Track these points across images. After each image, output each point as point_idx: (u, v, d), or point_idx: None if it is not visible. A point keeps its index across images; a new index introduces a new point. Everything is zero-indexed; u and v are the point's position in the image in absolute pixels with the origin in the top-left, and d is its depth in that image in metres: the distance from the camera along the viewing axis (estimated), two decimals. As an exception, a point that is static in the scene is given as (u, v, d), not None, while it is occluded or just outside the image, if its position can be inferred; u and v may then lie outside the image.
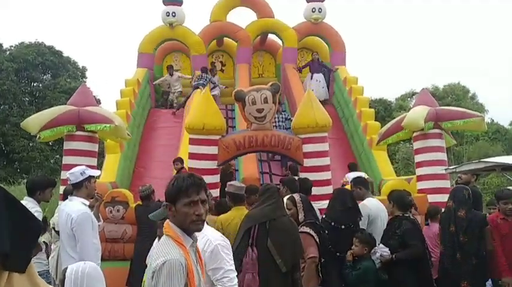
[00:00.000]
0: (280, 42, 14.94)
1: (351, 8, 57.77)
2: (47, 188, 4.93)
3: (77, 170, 4.58)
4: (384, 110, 25.30)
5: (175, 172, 8.41)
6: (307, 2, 14.71)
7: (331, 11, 15.12)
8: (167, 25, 14.07)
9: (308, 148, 7.68)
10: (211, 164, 7.44)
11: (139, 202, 6.95)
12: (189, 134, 7.62)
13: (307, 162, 7.66)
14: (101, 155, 10.63)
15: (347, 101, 12.73)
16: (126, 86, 12.64)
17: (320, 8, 14.50)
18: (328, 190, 7.49)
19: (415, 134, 8.60)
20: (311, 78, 13.78)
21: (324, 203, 7.01)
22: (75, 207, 4.41)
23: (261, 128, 7.51)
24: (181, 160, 8.38)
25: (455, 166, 8.06)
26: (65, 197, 5.81)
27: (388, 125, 9.14)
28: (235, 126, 12.16)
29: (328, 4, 14.85)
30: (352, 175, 10.45)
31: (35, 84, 27.11)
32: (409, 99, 30.23)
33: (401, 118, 8.79)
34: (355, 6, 60.62)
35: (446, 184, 8.36)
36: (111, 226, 7.20)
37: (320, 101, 8.68)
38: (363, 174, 9.81)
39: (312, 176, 7.47)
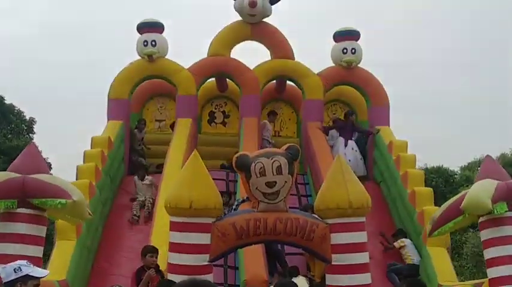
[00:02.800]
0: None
1: (391, 47, 58.75)
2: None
3: (11, 264, 4.49)
4: (444, 184, 24.97)
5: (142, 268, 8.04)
6: (336, 41, 14.90)
7: (368, 51, 15.30)
8: (145, 58, 14.30)
9: (338, 238, 7.50)
10: (201, 259, 7.21)
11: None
12: (169, 215, 7.43)
13: (337, 258, 7.46)
14: (48, 241, 10.35)
15: (393, 174, 12.70)
16: (93, 147, 12.72)
17: (354, 49, 14.69)
18: (366, 299, 7.29)
19: (481, 219, 8.35)
20: (345, 145, 13.66)
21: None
22: None
23: (273, 208, 7.36)
24: (156, 251, 8.14)
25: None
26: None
27: (443, 207, 8.90)
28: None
29: (365, 43, 15.00)
30: (409, 242, 11.09)
31: (-38, 141, 27.21)
32: (478, 169, 29.89)
33: (460, 197, 8.54)
34: (396, 44, 61.49)
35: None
36: None
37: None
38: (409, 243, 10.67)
39: (343, 280, 7.32)
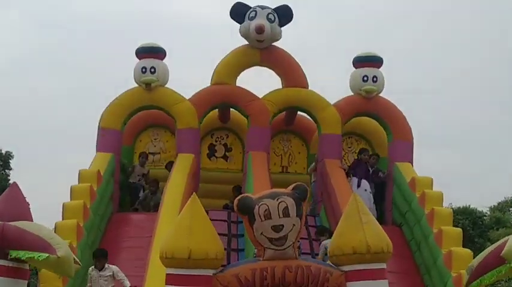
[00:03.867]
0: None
1: (412, 72, 58.78)
2: None
3: None
4: (471, 226, 24.77)
5: None
6: (355, 67, 14.90)
7: (391, 79, 15.36)
8: (143, 86, 14.26)
9: (355, 287, 7.35)
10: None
11: None
12: (165, 266, 7.32)
13: (355, 311, 7.35)
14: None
15: (417, 214, 12.65)
16: (81, 181, 12.69)
17: (375, 77, 14.72)
18: None
19: (526, 270, 8.17)
20: (358, 185, 13.64)
21: None
22: None
23: (280, 255, 7.28)
24: None
25: None
26: None
27: (482, 255, 8.79)
28: (243, 249, 11.80)
29: (387, 70, 14.99)
30: None
31: None
32: (511, 209, 29.82)
33: (501, 244, 8.42)
34: (418, 69, 61.57)
35: None
36: None
37: None
38: None
39: None
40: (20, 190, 8.52)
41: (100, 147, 14.12)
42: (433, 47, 59.10)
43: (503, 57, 60.92)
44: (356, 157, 14.72)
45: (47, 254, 7.41)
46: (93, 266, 10.49)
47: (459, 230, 11.85)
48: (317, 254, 11.58)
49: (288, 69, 14.91)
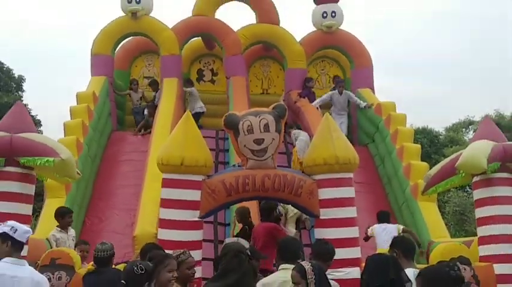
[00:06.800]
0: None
1: (374, 6, 58.31)
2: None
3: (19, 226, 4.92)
4: (429, 144, 25.25)
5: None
6: (316, 3, 15.04)
7: (350, 12, 15.41)
8: (129, 15, 14.36)
9: (325, 193, 7.68)
10: (191, 215, 7.43)
11: (91, 266, 6.82)
12: (161, 172, 7.66)
13: (325, 213, 7.65)
14: (37, 199, 10.46)
15: (383, 133, 13.00)
16: (79, 102, 12.84)
17: (333, 12, 14.85)
18: (353, 252, 7.51)
19: (475, 179, 8.57)
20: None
21: (347, 273, 7.08)
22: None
23: (261, 165, 7.54)
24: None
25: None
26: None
27: (438, 166, 9.13)
28: (228, 162, 12.15)
29: (346, 4, 15.35)
30: (379, 228, 9.78)
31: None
32: (463, 130, 30.22)
33: (455, 157, 8.71)
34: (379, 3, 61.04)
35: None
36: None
37: None
38: (394, 228, 9.59)
39: (331, 233, 7.44)
40: (24, 107, 8.77)
41: (94, 72, 14.27)
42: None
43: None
44: (307, 85, 14.38)
45: (53, 158, 7.66)
46: (57, 228, 8.85)
47: (418, 146, 12.30)
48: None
49: (262, 4, 15.01)
